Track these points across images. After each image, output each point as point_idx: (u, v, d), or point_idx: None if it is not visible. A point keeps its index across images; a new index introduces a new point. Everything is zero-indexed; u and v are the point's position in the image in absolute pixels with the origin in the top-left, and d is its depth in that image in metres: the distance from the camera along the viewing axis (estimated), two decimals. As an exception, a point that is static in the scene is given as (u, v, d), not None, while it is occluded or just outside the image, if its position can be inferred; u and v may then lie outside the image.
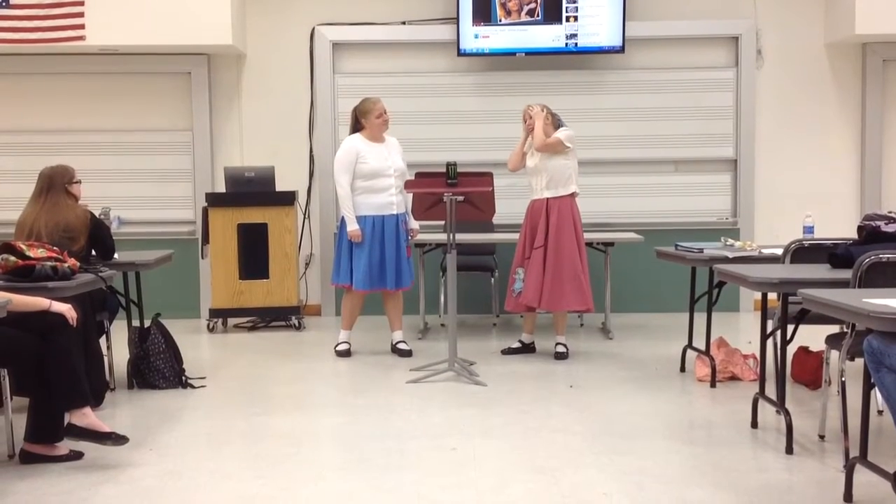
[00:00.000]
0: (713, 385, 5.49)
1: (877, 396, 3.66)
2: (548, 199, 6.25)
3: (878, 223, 4.38)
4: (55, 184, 5.25)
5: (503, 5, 8.03)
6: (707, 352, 5.67)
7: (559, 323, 6.42)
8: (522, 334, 6.59)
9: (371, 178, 6.31)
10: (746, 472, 3.95)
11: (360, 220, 6.32)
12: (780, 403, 4.36)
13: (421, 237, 6.86)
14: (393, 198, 6.34)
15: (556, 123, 6.32)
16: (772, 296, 4.45)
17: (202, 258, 7.88)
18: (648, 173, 8.36)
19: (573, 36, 8.05)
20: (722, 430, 4.62)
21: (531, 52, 8.11)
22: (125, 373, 5.64)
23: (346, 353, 6.51)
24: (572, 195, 6.29)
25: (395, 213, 6.36)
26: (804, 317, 4.16)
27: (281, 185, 7.79)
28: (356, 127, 6.45)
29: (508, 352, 6.52)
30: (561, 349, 6.37)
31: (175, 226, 8.35)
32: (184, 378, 5.64)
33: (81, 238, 5.19)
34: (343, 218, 6.42)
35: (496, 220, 6.54)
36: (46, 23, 7.54)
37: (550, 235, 6.20)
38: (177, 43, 7.74)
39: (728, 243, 5.73)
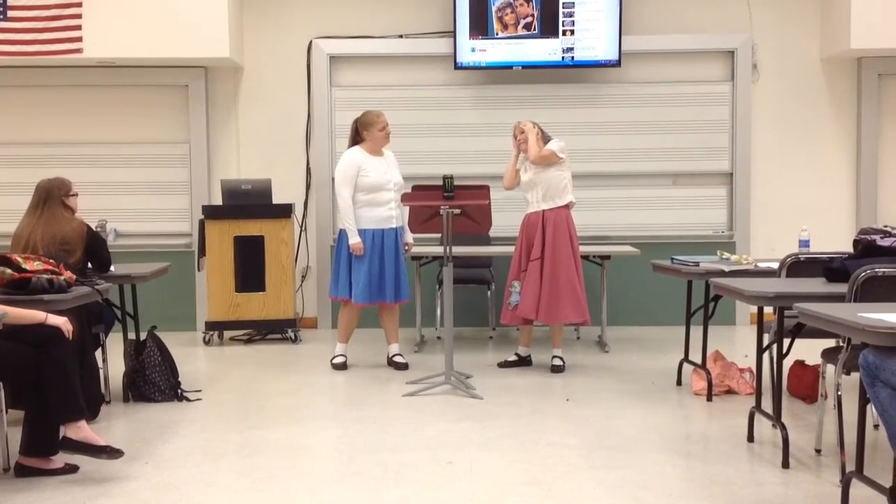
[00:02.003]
0: (709, 399, 5.49)
1: (873, 411, 3.66)
2: (544, 210, 6.26)
3: (874, 237, 4.39)
4: (52, 196, 5.25)
5: (500, 19, 8.06)
6: (703, 365, 5.67)
7: (556, 336, 6.43)
8: (519, 347, 6.59)
9: (372, 192, 6.32)
10: (743, 487, 3.95)
11: (361, 233, 6.32)
12: (776, 417, 4.36)
13: (418, 250, 6.87)
14: (392, 211, 6.34)
15: (546, 138, 6.33)
16: (768, 309, 4.46)
17: (198, 271, 7.88)
18: (645, 186, 8.38)
19: (570, 50, 8.08)
20: (718, 444, 4.62)
21: (528, 66, 8.14)
22: (121, 386, 5.63)
23: (342, 366, 6.51)
24: (568, 205, 6.31)
25: (394, 226, 6.37)
26: (800, 331, 4.17)
27: (278, 198, 7.80)
28: (356, 139, 6.46)
29: (505, 365, 6.52)
30: (557, 362, 6.37)
31: (171, 238, 8.35)
32: (179, 391, 5.63)
33: (78, 251, 5.18)
34: (342, 230, 6.42)
35: (492, 232, 6.56)
36: (44, 35, 7.56)
37: (547, 248, 6.20)
38: (174, 56, 7.76)
39: (724, 257, 5.74)
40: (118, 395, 5.61)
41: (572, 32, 8.06)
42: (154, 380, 5.56)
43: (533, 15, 8.05)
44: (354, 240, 6.30)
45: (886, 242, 4.32)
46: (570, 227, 6.27)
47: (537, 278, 6.20)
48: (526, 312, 6.22)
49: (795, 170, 8.38)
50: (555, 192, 6.26)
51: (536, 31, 8.06)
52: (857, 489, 3.56)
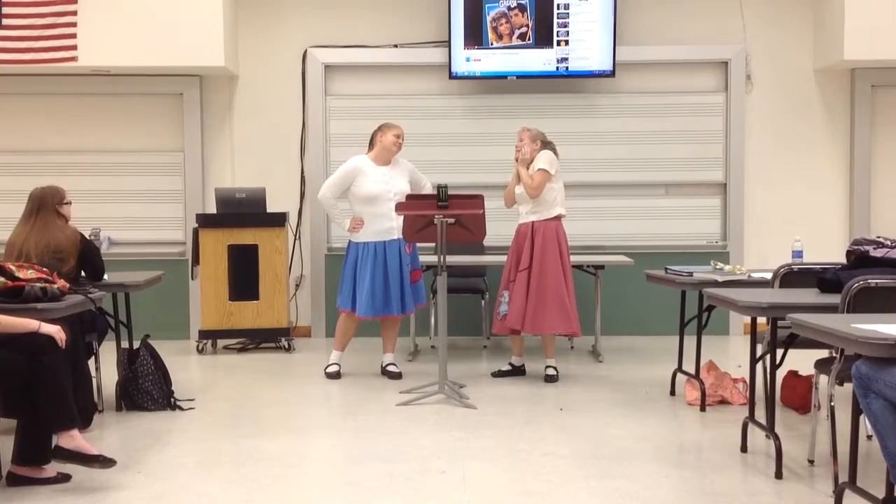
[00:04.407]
0: (703, 409, 5.50)
1: (866, 421, 3.66)
2: (533, 222, 6.27)
3: (867, 248, 4.40)
4: (45, 205, 5.25)
5: (495, 29, 8.08)
6: (697, 375, 5.67)
7: (548, 346, 6.42)
8: (512, 357, 6.58)
9: (369, 204, 6.31)
10: (736, 497, 3.94)
11: (363, 246, 6.32)
12: (769, 428, 4.36)
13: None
14: (394, 222, 6.28)
15: (550, 147, 6.32)
16: (761, 320, 4.47)
17: (192, 279, 7.86)
18: (639, 196, 8.39)
19: (564, 60, 8.10)
20: (711, 454, 4.62)
21: (522, 76, 8.15)
22: (114, 394, 5.61)
23: (335, 375, 6.49)
24: (557, 217, 6.30)
25: (395, 237, 6.33)
26: (793, 341, 4.17)
27: (272, 207, 7.79)
28: (371, 149, 6.48)
29: (498, 374, 6.51)
30: (551, 371, 6.37)
31: (165, 247, 8.34)
32: (172, 400, 5.62)
33: (71, 259, 5.18)
34: (350, 242, 6.42)
35: (486, 242, 6.55)
36: (39, 44, 7.56)
37: (535, 258, 6.20)
38: (169, 64, 7.76)
39: (718, 267, 5.75)
40: (111, 404, 5.60)
41: (567, 43, 8.08)
42: (147, 388, 5.55)
43: (527, 25, 8.07)
44: (345, 222, 6.34)
45: (879, 253, 4.33)
46: (559, 238, 6.25)
47: (524, 289, 6.20)
48: (512, 323, 6.23)
49: (789, 180, 8.40)
50: (544, 206, 6.25)
51: (531, 42, 8.08)
52: (850, 500, 3.56)
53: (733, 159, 8.33)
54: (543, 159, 6.21)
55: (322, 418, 5.59)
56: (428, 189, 6.53)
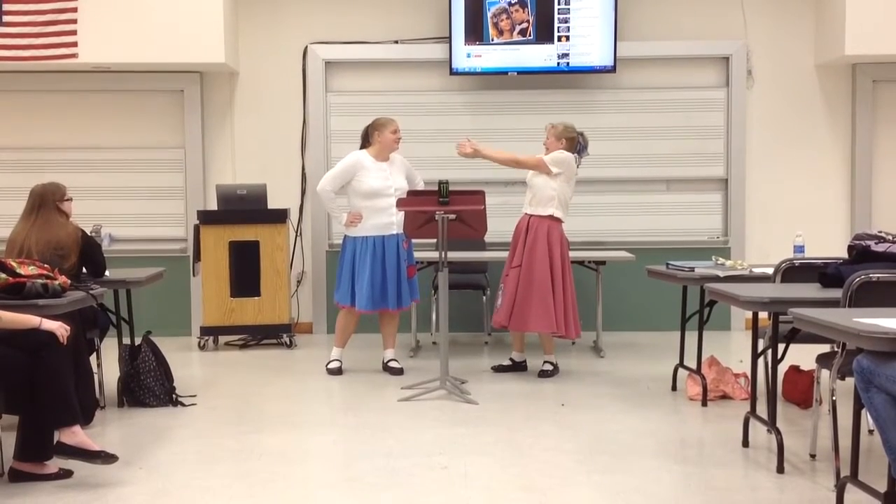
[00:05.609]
0: (704, 404, 5.50)
1: (867, 416, 3.66)
2: (530, 216, 6.27)
3: (868, 243, 4.40)
4: (46, 201, 5.25)
5: (495, 25, 8.07)
6: (698, 370, 5.67)
7: (545, 343, 6.41)
8: (513, 352, 6.58)
9: (370, 199, 6.31)
10: (737, 492, 3.95)
11: (362, 240, 6.33)
12: (771, 422, 4.37)
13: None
14: (393, 217, 6.30)
15: (577, 145, 6.31)
16: (763, 315, 4.47)
17: (193, 276, 7.86)
18: (640, 192, 8.38)
19: (565, 55, 8.09)
20: (713, 449, 4.62)
21: (523, 72, 8.15)
22: (115, 391, 5.62)
23: (337, 371, 6.50)
24: (550, 217, 6.26)
25: (395, 232, 6.35)
26: (795, 336, 4.17)
27: (273, 203, 7.79)
28: (364, 146, 6.47)
29: (499, 369, 6.51)
30: (546, 367, 6.36)
31: (167, 243, 8.33)
32: (174, 396, 5.62)
33: (72, 255, 5.18)
34: (346, 237, 6.43)
35: (488, 238, 6.56)
36: (40, 40, 7.56)
37: (525, 256, 6.20)
38: (170, 60, 7.76)
39: (719, 262, 5.75)
40: (113, 400, 5.61)
41: (567, 38, 8.07)
42: (149, 385, 5.55)
43: (528, 21, 8.06)
44: (343, 217, 6.35)
45: (881, 248, 4.33)
46: (550, 237, 6.20)
47: (514, 286, 6.20)
48: (500, 318, 6.24)
49: (790, 176, 8.39)
50: (539, 200, 6.24)
51: (532, 37, 8.08)
52: (852, 494, 3.57)
53: (734, 155, 8.33)
54: (553, 156, 6.20)
55: (324, 414, 5.60)
56: (420, 185, 6.54)
